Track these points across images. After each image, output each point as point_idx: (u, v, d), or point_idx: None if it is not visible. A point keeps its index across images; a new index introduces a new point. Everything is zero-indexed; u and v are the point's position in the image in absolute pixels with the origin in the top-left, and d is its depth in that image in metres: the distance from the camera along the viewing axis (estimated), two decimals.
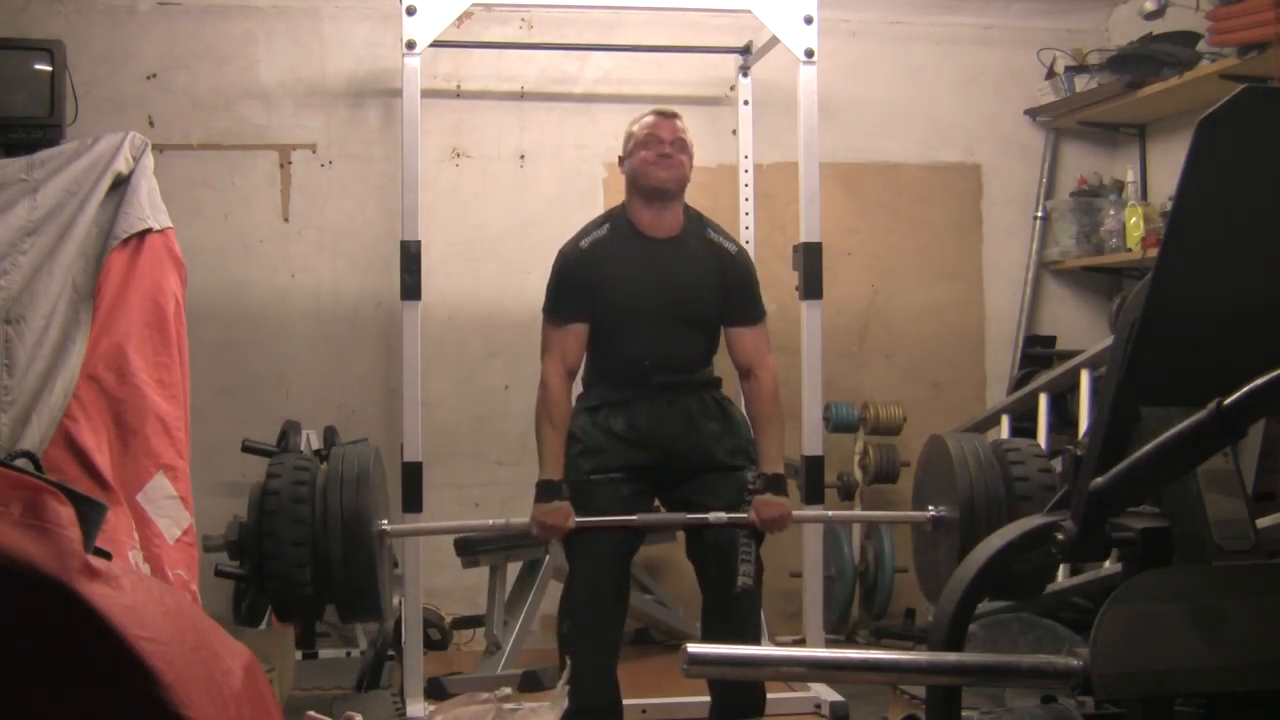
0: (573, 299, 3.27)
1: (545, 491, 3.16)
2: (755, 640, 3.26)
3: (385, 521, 3.20)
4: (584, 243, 3.31)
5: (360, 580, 3.06)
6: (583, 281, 3.27)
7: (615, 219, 3.35)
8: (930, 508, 3.30)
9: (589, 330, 3.28)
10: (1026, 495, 3.12)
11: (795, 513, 3.25)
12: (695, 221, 3.36)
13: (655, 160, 3.25)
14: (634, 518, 3.17)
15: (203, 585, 3.52)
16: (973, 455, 3.21)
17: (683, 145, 3.29)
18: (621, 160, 3.37)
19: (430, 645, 4.18)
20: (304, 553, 2.99)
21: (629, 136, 3.36)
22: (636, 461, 3.26)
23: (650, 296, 3.26)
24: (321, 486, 3.08)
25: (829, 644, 4.14)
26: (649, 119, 3.32)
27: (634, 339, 3.26)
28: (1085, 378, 4.09)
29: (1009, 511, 3.11)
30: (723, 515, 3.14)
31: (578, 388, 3.38)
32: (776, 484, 3.18)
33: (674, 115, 3.33)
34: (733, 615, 3.17)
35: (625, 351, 3.28)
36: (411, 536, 3.60)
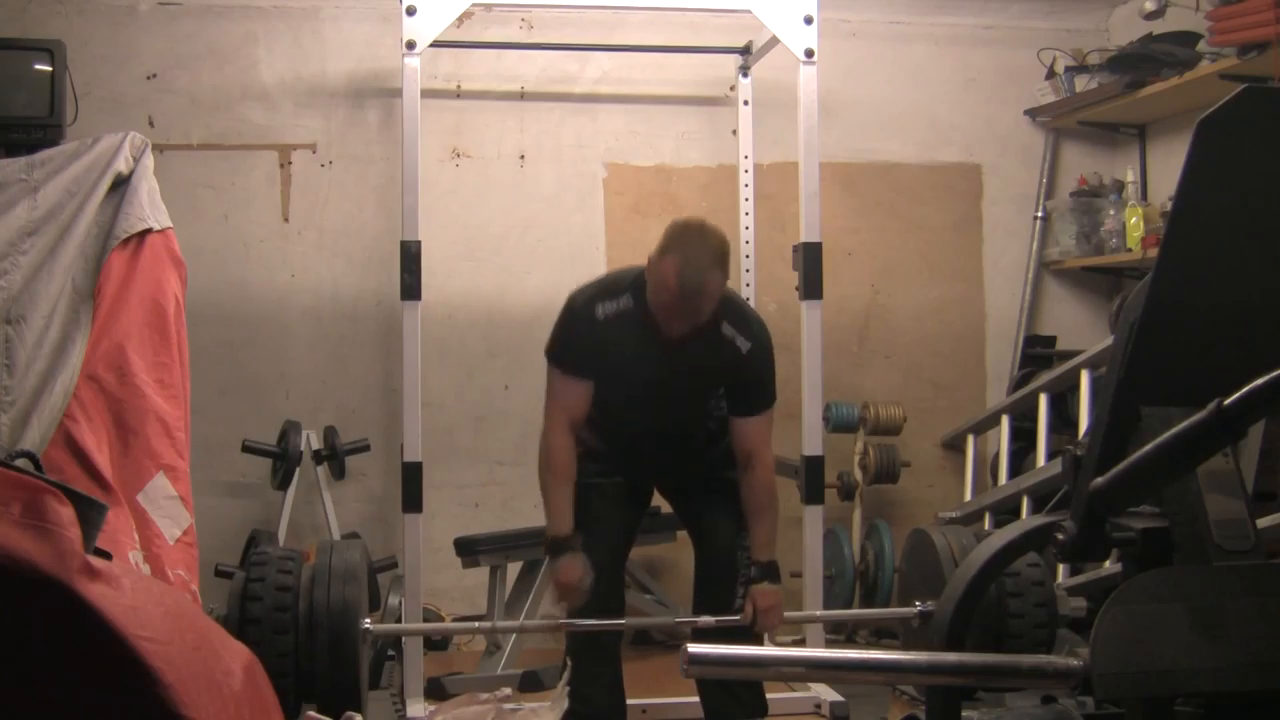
0: (583, 361, 3.12)
1: (557, 548, 3.07)
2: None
3: (368, 621, 3.18)
4: (599, 311, 3.10)
5: (343, 684, 3.02)
6: (592, 351, 3.11)
7: (637, 292, 3.08)
8: (917, 603, 3.33)
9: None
10: (1016, 592, 3.15)
11: (786, 614, 3.20)
12: (714, 311, 3.07)
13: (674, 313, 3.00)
14: (622, 622, 3.23)
15: (203, 585, 3.52)
16: (959, 549, 3.24)
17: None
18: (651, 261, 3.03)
19: (430, 645, 4.18)
20: (286, 663, 2.93)
21: (659, 260, 2.96)
22: (633, 475, 3.32)
23: (651, 389, 3.14)
24: (307, 587, 3.03)
25: (829, 644, 4.13)
26: (677, 281, 2.92)
27: (629, 419, 3.22)
28: (1085, 378, 4.08)
29: (997, 602, 3.15)
30: (710, 620, 3.12)
31: None
32: (770, 572, 3.14)
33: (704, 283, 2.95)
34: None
35: (620, 421, 3.24)
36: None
